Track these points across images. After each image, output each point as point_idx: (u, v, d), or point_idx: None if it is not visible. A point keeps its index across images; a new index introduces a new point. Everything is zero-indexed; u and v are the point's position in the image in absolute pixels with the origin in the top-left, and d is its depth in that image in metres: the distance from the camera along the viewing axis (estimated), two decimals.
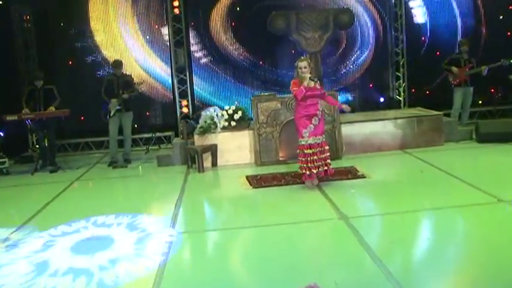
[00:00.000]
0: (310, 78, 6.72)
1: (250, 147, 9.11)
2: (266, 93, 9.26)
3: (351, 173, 7.90)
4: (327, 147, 7.08)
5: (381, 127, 9.45)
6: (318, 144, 6.94)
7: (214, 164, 9.04)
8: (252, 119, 9.12)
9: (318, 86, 6.82)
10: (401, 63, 11.60)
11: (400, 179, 7.70)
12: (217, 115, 9.10)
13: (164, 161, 9.44)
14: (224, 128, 9.10)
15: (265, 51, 11.06)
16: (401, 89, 11.68)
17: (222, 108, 9.22)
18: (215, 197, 7.47)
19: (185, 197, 7.22)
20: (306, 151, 6.89)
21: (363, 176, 7.70)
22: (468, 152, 9.16)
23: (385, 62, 11.72)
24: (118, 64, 9.83)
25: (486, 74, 10.27)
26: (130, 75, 10.12)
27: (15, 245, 5.63)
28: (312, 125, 6.85)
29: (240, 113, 9.01)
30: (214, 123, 9.05)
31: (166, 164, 9.40)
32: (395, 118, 9.60)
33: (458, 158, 8.76)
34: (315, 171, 6.96)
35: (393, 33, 11.54)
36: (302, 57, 7.18)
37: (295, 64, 6.87)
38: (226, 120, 9.04)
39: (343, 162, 8.65)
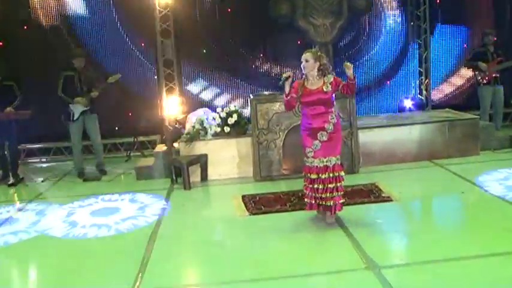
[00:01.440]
0: (319, 75, 5.04)
1: (248, 157, 7.53)
2: (267, 93, 7.63)
3: (373, 194, 6.33)
4: (341, 174, 5.22)
5: (406, 133, 7.85)
6: (328, 168, 5.13)
7: (203, 178, 7.46)
8: (249, 123, 7.52)
9: (326, 88, 5.02)
10: (424, 56, 9.95)
11: (436, 203, 6.11)
12: (207, 119, 7.51)
13: (144, 174, 7.85)
14: (216, 135, 7.51)
15: (267, 42, 9.37)
16: (423, 87, 10.04)
17: (213, 111, 7.63)
18: (201, 233, 5.58)
19: (159, 239, 5.38)
20: (311, 176, 5.22)
21: (389, 199, 6.12)
22: None
23: (404, 56, 10.06)
24: (77, 54, 8.06)
25: None
26: (97, 68, 8.55)
27: None
28: (318, 142, 5.10)
29: (235, 116, 7.41)
30: (204, 128, 7.46)
31: (146, 177, 7.81)
32: (423, 123, 7.99)
33: (502, 173, 7.15)
34: (319, 202, 5.28)
35: (415, 21, 9.89)
36: (309, 49, 5.37)
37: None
38: (218, 125, 7.45)
39: (362, 178, 7.07)
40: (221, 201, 6.61)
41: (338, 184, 5.19)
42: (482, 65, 8.65)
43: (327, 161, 5.13)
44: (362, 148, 7.56)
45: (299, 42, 9.18)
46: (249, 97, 7.46)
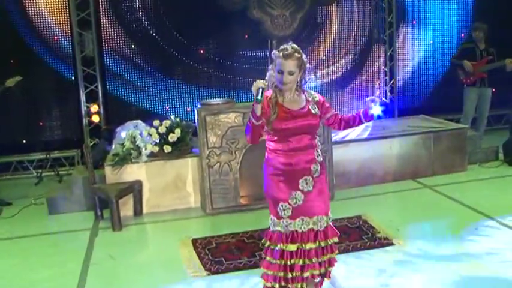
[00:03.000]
0: (297, 89, 3.28)
1: (195, 184, 5.90)
2: (219, 100, 5.99)
3: (365, 234, 4.89)
4: (336, 240, 3.42)
5: (386, 148, 6.48)
6: (318, 234, 3.29)
7: (137, 211, 5.75)
8: (195, 136, 5.89)
9: (314, 109, 3.27)
10: (389, 53, 8.67)
11: (457, 248, 4.64)
12: (141, 134, 5.80)
13: (59, 206, 6.00)
14: (153, 156, 5.81)
15: (215, 36, 7.60)
16: (387, 89, 8.76)
17: (149, 124, 5.92)
18: None
19: None
20: (286, 247, 3.27)
21: (388, 241, 4.70)
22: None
23: (369, 53, 8.73)
24: None
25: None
26: None
27: None
28: (299, 194, 3.26)
29: (178, 131, 5.74)
30: (137, 147, 5.74)
31: (61, 211, 5.98)
32: (405, 135, 6.65)
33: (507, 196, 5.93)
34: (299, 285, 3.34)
35: (381, 14, 8.58)
36: (286, 47, 3.21)
37: (273, 58, 3.26)
38: (156, 143, 5.75)
39: (340, 207, 5.58)
40: (164, 249, 4.89)
41: (333, 255, 3.43)
42: (467, 64, 7.45)
43: (314, 223, 3.28)
44: (335, 167, 6.10)
45: (246, 36, 7.64)
46: (196, 106, 5.80)
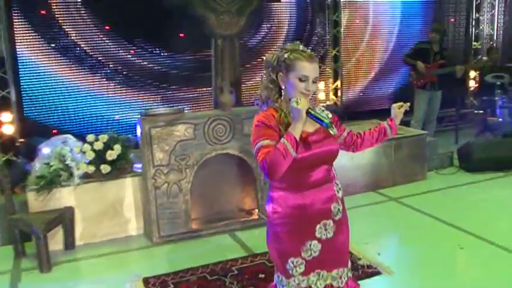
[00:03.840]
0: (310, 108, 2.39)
1: (137, 208, 5.04)
2: (166, 110, 5.13)
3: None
4: None
5: (347, 159, 5.91)
6: None
7: (69, 245, 4.80)
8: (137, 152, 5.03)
9: (332, 130, 2.37)
10: (333, 53, 8.15)
11: (449, 272, 4.14)
12: (71, 152, 4.85)
13: None
14: (87, 177, 4.87)
15: (149, 36, 6.66)
16: (331, 91, 8.26)
17: (81, 139, 4.98)
18: None
19: None
20: None
21: (372, 269, 4.10)
22: (485, 191, 6.04)
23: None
24: None
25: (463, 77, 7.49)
26: None
27: None
28: (316, 244, 2.50)
29: (117, 148, 4.85)
30: (68, 167, 4.78)
31: None
32: None
33: (483, 204, 5.56)
34: None
35: (327, 11, 8.04)
36: (303, 48, 2.47)
37: (270, 62, 2.49)
38: (90, 162, 4.82)
39: None
40: None
41: None
42: (420, 65, 7.10)
43: (333, 278, 2.58)
44: None
45: (182, 35, 6.82)
46: (139, 116, 4.94)
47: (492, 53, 8.22)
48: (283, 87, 2.45)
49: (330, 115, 2.50)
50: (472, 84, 9.07)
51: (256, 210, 5.24)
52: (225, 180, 5.20)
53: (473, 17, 9.18)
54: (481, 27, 9.23)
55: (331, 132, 2.33)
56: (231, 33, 6.04)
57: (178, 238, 4.88)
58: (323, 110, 2.53)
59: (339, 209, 2.55)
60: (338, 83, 8.19)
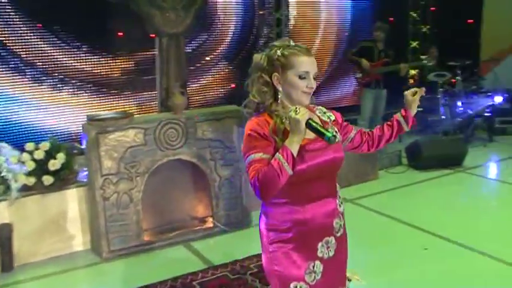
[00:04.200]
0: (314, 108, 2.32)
1: (83, 221, 4.63)
2: (113, 114, 4.74)
3: None
4: None
5: None
6: None
7: (7, 266, 4.30)
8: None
9: (336, 135, 2.13)
10: None
11: (419, 275, 4.04)
12: (7, 162, 4.36)
13: None
14: (27, 190, 4.40)
15: (87, 35, 6.13)
16: None
17: (19, 148, 4.50)
18: None
19: None
20: None
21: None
22: (436, 189, 6.05)
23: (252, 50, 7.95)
24: None
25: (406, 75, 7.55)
26: None
27: None
28: (318, 264, 2.20)
29: (60, 156, 4.41)
30: (4, 180, 4.29)
31: None
32: None
33: (438, 202, 5.55)
34: None
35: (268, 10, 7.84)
36: (284, 41, 2.21)
37: (260, 63, 2.16)
38: (30, 173, 4.36)
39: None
40: None
41: None
42: (365, 62, 7.05)
43: None
44: (246, 186, 5.22)
45: (121, 34, 6.41)
46: (84, 122, 4.53)
47: (431, 52, 8.34)
48: (279, 89, 2.14)
49: (333, 117, 2.27)
50: (412, 82, 9.16)
51: (211, 218, 4.97)
52: (177, 187, 4.89)
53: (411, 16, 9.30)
54: (419, 26, 9.35)
55: (329, 140, 1.99)
56: (177, 32, 5.74)
57: (130, 252, 4.51)
58: (325, 112, 2.29)
59: (340, 225, 2.29)
60: None
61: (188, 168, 4.86)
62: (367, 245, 4.60)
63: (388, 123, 2.47)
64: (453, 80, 8.01)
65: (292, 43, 2.19)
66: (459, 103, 7.75)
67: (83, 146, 4.53)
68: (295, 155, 1.99)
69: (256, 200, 5.16)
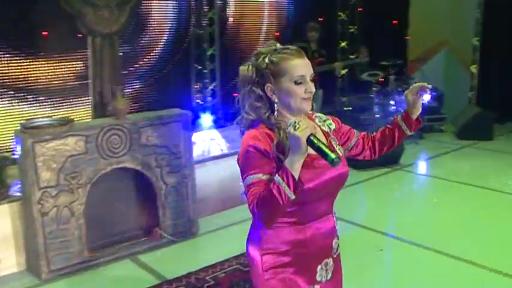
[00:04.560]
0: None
1: (16, 239, 4.20)
2: (50, 120, 4.33)
3: None
4: None
5: (226, 166, 5.56)
6: None
7: None
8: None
9: (334, 140, 2.08)
10: (209, 53, 7.74)
11: (380, 278, 4.01)
12: None
13: None
14: None
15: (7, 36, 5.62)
16: (208, 93, 7.84)
17: None
18: None
19: None
20: None
21: None
22: (378, 188, 6.11)
23: (187, 53, 7.66)
24: None
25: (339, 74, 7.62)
26: None
27: None
28: None
29: None
30: None
31: None
32: None
33: (382, 201, 5.60)
34: None
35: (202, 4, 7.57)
36: (270, 45, 2.00)
37: (248, 76, 1.96)
38: None
39: (213, 243, 4.64)
40: None
41: None
42: None
43: None
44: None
45: (45, 33, 5.92)
46: (17, 130, 4.11)
47: (362, 52, 8.45)
48: (275, 100, 1.93)
49: (333, 125, 2.07)
50: (344, 82, 9.24)
51: (157, 228, 4.69)
52: (121, 197, 4.57)
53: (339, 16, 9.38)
54: (347, 26, 9.45)
55: (332, 163, 1.75)
56: (111, 31, 5.40)
57: (72, 270, 4.15)
58: (324, 120, 2.09)
59: (338, 244, 2.13)
60: (214, 84, 7.80)
61: (133, 177, 4.56)
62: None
63: (389, 126, 2.24)
64: (381, 80, 8.15)
65: (279, 46, 1.98)
66: (392, 102, 7.90)
67: (16, 157, 4.11)
68: (296, 176, 1.76)
69: (203, 206, 5.01)
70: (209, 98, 7.88)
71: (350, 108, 8.78)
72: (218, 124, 7.22)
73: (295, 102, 1.92)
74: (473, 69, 8.80)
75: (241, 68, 1.99)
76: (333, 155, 1.73)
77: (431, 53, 9.08)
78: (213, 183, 5.30)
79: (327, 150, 1.75)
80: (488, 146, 7.55)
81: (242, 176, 1.89)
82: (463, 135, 7.95)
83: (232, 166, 5.32)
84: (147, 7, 6.81)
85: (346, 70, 8.83)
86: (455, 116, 8.51)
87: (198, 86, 7.75)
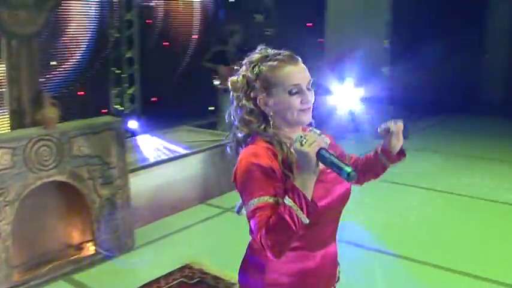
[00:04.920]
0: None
1: None
2: None
3: None
4: None
5: (179, 171, 5.41)
6: None
7: None
8: None
9: (350, 177, 1.58)
10: (125, 56, 7.42)
11: None
12: None
13: None
14: None
15: None
16: (126, 98, 7.52)
17: None
18: None
19: None
20: None
21: None
22: None
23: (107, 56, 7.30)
24: None
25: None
26: None
27: None
28: None
29: None
30: None
31: None
32: (195, 152, 5.66)
33: None
34: None
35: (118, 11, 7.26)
36: (261, 52, 1.84)
37: (238, 88, 1.83)
38: None
39: (152, 254, 4.45)
40: None
41: None
42: (222, 68, 6.94)
43: None
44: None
45: None
46: None
47: None
48: (270, 113, 1.78)
49: (328, 140, 1.69)
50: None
51: (90, 244, 4.40)
52: (53, 213, 4.24)
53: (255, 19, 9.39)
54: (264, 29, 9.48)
55: (347, 177, 1.57)
56: (28, 33, 5.00)
57: None
58: (320, 134, 1.90)
59: (339, 271, 1.99)
60: (134, 88, 7.51)
61: (64, 190, 4.23)
62: None
63: (370, 155, 2.09)
64: None
65: (270, 52, 1.82)
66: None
67: None
68: (309, 197, 1.59)
69: (137, 217, 4.79)
70: (127, 104, 7.59)
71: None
72: (141, 130, 6.94)
73: (292, 115, 1.77)
74: (386, 71, 9.16)
75: (231, 79, 1.84)
76: (348, 168, 1.57)
77: (346, 56, 9.32)
78: (146, 193, 5.07)
79: (341, 163, 1.59)
80: (405, 145, 7.83)
81: (243, 198, 1.71)
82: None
83: (163, 173, 5.21)
84: (67, 7, 6.41)
85: None
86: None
87: (116, 91, 7.44)
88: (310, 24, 9.47)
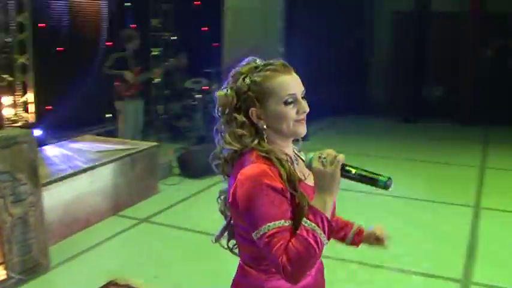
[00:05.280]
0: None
1: None
2: None
3: None
4: None
5: (87, 184, 5.19)
6: None
7: None
8: None
9: (386, 185, 1.54)
10: (16, 63, 6.97)
11: None
12: None
13: None
14: None
15: None
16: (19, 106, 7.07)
17: None
18: None
19: None
20: None
21: None
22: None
23: None
24: None
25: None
26: None
27: None
28: None
29: None
30: None
31: None
32: (104, 163, 5.45)
33: None
34: None
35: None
36: (250, 64, 1.76)
37: (228, 101, 1.72)
38: None
39: (75, 281, 4.22)
40: None
41: None
42: (128, 74, 6.80)
43: None
44: None
45: None
46: None
47: (180, 59, 8.46)
48: (263, 126, 1.70)
49: (312, 155, 1.61)
50: (159, 89, 9.09)
51: (1, 268, 4.10)
52: None
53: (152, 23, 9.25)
54: (160, 34, 9.36)
55: (384, 186, 1.52)
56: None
57: None
58: (299, 151, 1.88)
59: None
60: (28, 97, 7.07)
61: None
62: (188, 263, 4.44)
63: (344, 224, 2.07)
64: (204, 88, 8.26)
65: (259, 62, 1.74)
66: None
67: None
68: (329, 218, 1.55)
69: (52, 234, 4.54)
70: (21, 112, 7.15)
71: (166, 116, 8.77)
72: (42, 141, 6.55)
73: (288, 127, 1.69)
74: None
75: (219, 93, 1.74)
76: (384, 178, 1.47)
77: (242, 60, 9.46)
78: (57, 208, 4.82)
79: (372, 174, 1.48)
80: (307, 146, 8.11)
81: (251, 221, 1.59)
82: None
83: (74, 187, 4.97)
84: None
85: (158, 80, 8.68)
86: None
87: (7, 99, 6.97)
88: (206, 28, 9.49)
